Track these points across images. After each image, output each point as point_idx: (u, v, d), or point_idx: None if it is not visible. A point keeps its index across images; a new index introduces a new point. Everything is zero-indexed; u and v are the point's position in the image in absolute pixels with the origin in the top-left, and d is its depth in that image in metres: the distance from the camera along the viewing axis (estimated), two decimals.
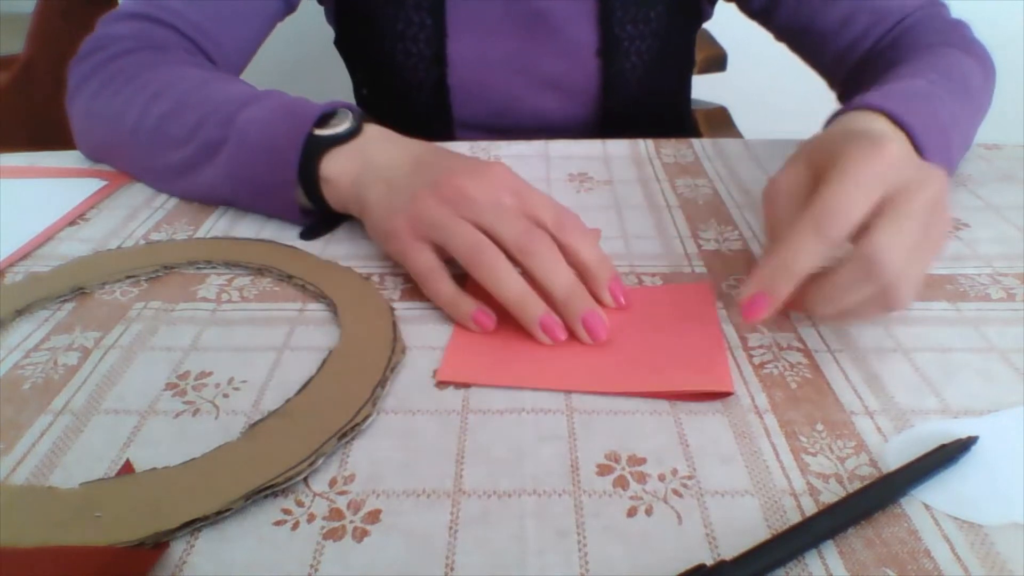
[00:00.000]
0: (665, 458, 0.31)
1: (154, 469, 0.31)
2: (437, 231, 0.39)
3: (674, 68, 0.79)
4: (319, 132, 0.46)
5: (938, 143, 0.45)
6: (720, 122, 1.06)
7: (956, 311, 0.41)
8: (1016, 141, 0.62)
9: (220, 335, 0.39)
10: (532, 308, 0.38)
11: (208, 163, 0.50)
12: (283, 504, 0.29)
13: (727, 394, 0.34)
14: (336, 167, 0.45)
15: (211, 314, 0.41)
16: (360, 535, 0.28)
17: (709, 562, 0.26)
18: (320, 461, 0.31)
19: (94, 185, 0.56)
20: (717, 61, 1.12)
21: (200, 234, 0.49)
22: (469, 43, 0.69)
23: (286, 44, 0.99)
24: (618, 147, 0.63)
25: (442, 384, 0.36)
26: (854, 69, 0.63)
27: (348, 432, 0.32)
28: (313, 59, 1.36)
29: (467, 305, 0.39)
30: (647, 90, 0.73)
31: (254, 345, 0.39)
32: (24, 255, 0.47)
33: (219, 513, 0.28)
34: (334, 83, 0.99)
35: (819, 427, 0.33)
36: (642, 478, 0.30)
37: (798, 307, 0.36)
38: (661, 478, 0.30)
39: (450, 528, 0.28)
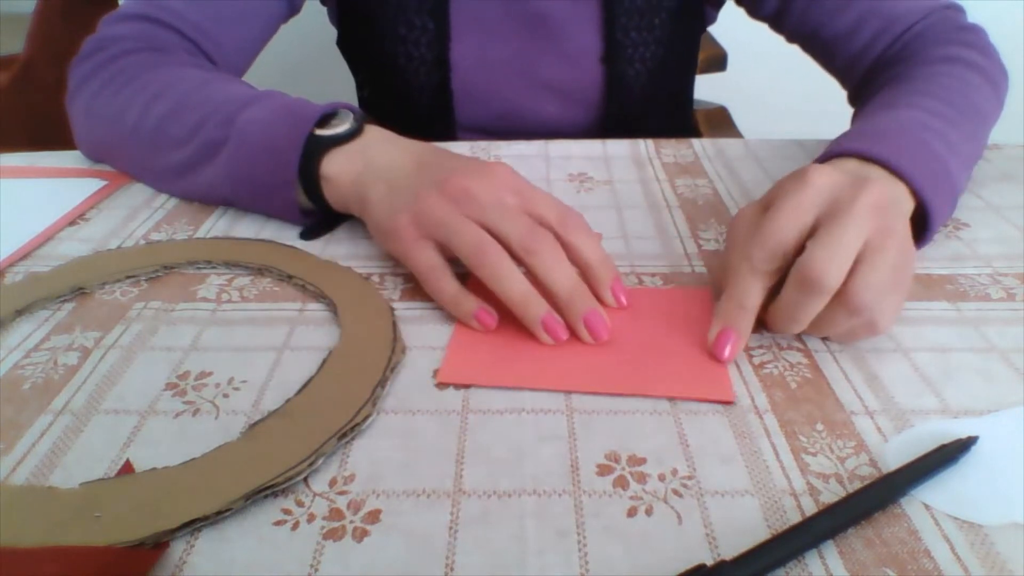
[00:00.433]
0: (665, 458, 0.31)
1: (154, 469, 0.31)
2: (441, 229, 0.39)
3: (677, 73, 0.79)
4: (320, 132, 0.46)
5: (934, 175, 0.44)
6: (720, 122, 1.06)
7: (956, 311, 0.41)
8: (1016, 141, 0.62)
9: (220, 335, 0.39)
10: (535, 308, 0.38)
11: (208, 163, 0.50)
12: (283, 504, 0.29)
13: (728, 402, 0.34)
14: (336, 166, 0.46)
15: (211, 314, 0.41)
16: (360, 535, 0.28)
17: (709, 562, 0.26)
18: (320, 461, 0.31)
19: (94, 185, 0.56)
20: (717, 61, 1.12)
21: (200, 234, 0.49)
22: (472, 46, 0.69)
23: (288, 44, 0.99)
24: (618, 147, 0.63)
25: (442, 384, 0.36)
26: (865, 74, 0.63)
27: (348, 432, 0.32)
28: (315, 60, 1.36)
29: (469, 304, 0.39)
30: (650, 96, 0.73)
31: (254, 345, 0.39)
32: (24, 255, 0.47)
33: (219, 513, 0.28)
34: (336, 84, 0.99)
35: (819, 427, 0.33)
36: (642, 478, 0.30)
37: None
38: (661, 478, 0.30)
39: (450, 528, 0.28)
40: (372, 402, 0.34)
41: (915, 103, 0.51)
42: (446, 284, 0.40)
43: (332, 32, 0.78)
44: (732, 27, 0.84)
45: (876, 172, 0.43)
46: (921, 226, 0.44)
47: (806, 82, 0.72)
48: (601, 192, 0.55)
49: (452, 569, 0.27)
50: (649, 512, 0.29)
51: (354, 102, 0.83)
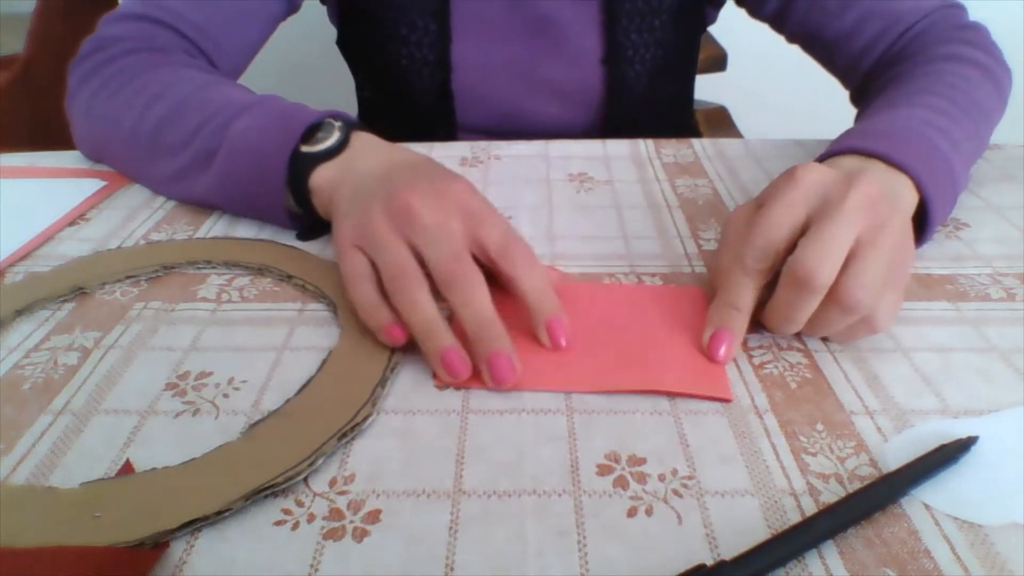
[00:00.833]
0: (665, 458, 0.31)
1: (154, 469, 0.31)
2: (370, 245, 0.39)
3: (677, 74, 0.79)
4: (305, 149, 0.46)
5: (935, 169, 0.44)
6: (720, 122, 1.06)
7: (956, 311, 0.41)
8: (1016, 141, 0.62)
9: (220, 335, 0.39)
10: (435, 339, 0.35)
11: (202, 172, 0.50)
12: (283, 504, 0.29)
13: (726, 400, 0.34)
14: (321, 180, 0.45)
15: (211, 314, 0.41)
16: (360, 535, 0.28)
17: (709, 562, 0.26)
18: (320, 461, 0.31)
19: (94, 185, 0.56)
20: (717, 61, 1.12)
21: (200, 234, 0.49)
22: (473, 48, 0.69)
23: (289, 44, 0.99)
24: (618, 147, 0.63)
25: (441, 384, 0.36)
26: (867, 74, 0.62)
27: (348, 432, 0.32)
28: (316, 60, 1.35)
29: (382, 315, 0.37)
30: (650, 97, 0.73)
31: (254, 345, 0.39)
32: (24, 255, 0.47)
33: (219, 513, 0.28)
34: (336, 84, 0.99)
35: (819, 427, 0.33)
36: (642, 478, 0.30)
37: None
38: (661, 478, 0.30)
39: (450, 528, 0.28)
40: (372, 402, 0.34)
41: (917, 101, 0.50)
42: (366, 291, 0.38)
43: (332, 32, 0.78)
44: (732, 27, 0.84)
45: (876, 167, 0.42)
46: (922, 222, 0.44)
47: (806, 82, 0.72)
48: (601, 192, 0.55)
49: (452, 569, 0.27)
50: (649, 512, 0.29)
51: (354, 102, 0.83)
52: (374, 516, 0.29)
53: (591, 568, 0.27)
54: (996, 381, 0.36)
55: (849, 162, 0.43)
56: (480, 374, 0.35)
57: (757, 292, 0.37)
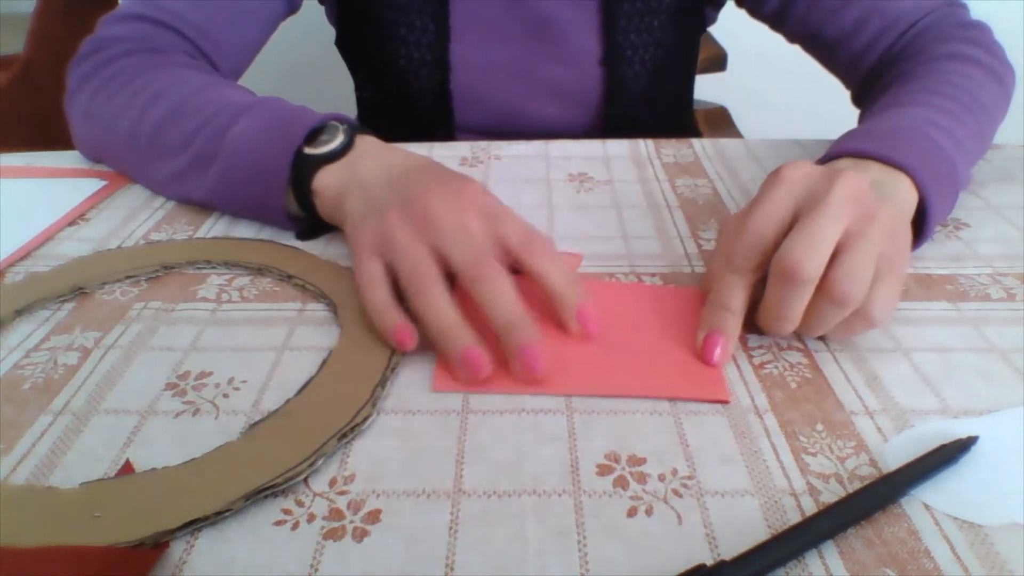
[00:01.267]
0: (665, 458, 0.31)
1: (154, 469, 0.31)
2: (390, 251, 0.39)
3: (677, 75, 0.79)
4: (308, 151, 0.46)
5: (934, 165, 0.43)
6: (720, 122, 1.06)
7: (956, 311, 0.41)
8: (1016, 141, 0.62)
9: (220, 335, 0.39)
10: (453, 341, 0.35)
11: (200, 175, 0.50)
12: (283, 504, 0.29)
13: (724, 402, 0.34)
14: (325, 183, 0.45)
15: (211, 314, 0.41)
16: (360, 535, 0.28)
17: (709, 562, 0.26)
18: (320, 462, 0.31)
19: (94, 185, 0.56)
20: (717, 61, 1.13)
21: (200, 234, 0.49)
22: (472, 48, 0.69)
23: (289, 45, 0.99)
24: (618, 147, 0.63)
25: (438, 388, 0.36)
26: (868, 74, 0.62)
27: (348, 432, 0.32)
28: (315, 60, 1.36)
29: (392, 318, 0.37)
30: (650, 97, 0.73)
31: (254, 345, 0.39)
32: (24, 255, 0.47)
33: (219, 513, 0.28)
34: (336, 84, 0.99)
35: (819, 427, 0.33)
36: (642, 478, 0.30)
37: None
38: (661, 478, 0.30)
39: (450, 528, 0.28)
40: (372, 402, 0.34)
41: (919, 100, 0.50)
42: (377, 294, 0.38)
43: (331, 32, 0.78)
44: (732, 27, 0.84)
45: (873, 167, 0.42)
46: (923, 220, 0.43)
47: (806, 82, 0.72)
48: (601, 192, 0.55)
49: (452, 569, 0.27)
50: (649, 512, 0.29)
51: (353, 102, 0.83)
52: (374, 516, 0.29)
53: (591, 568, 0.27)
54: (996, 381, 0.36)
55: (844, 164, 0.43)
56: (509, 368, 0.36)
57: (748, 292, 0.37)
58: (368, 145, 0.47)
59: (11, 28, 1.41)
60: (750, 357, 0.37)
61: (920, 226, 0.43)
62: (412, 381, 0.36)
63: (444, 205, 0.39)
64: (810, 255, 0.34)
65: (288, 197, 0.47)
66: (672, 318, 0.40)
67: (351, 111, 0.73)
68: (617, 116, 0.72)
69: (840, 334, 0.37)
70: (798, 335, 0.39)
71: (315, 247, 0.48)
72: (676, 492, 0.30)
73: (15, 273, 0.45)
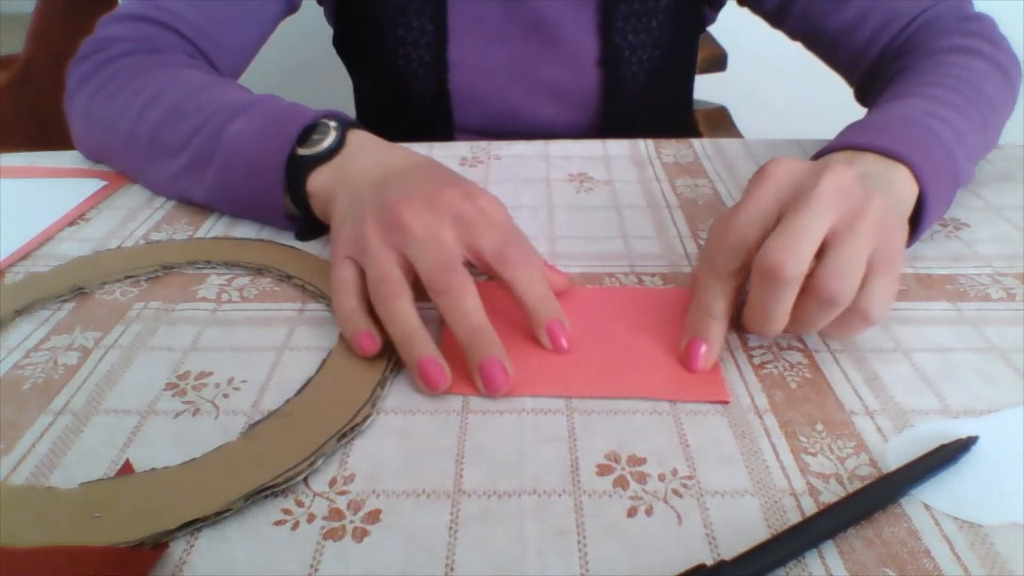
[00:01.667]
0: (665, 458, 0.31)
1: (153, 469, 0.31)
2: (361, 255, 0.39)
3: (675, 75, 0.79)
4: (302, 152, 0.45)
5: (932, 156, 0.43)
6: (720, 122, 1.06)
7: (956, 311, 0.41)
8: (1016, 141, 0.62)
9: (220, 335, 0.39)
10: (414, 348, 0.35)
11: (199, 176, 0.50)
12: (283, 504, 0.29)
13: (724, 402, 0.34)
14: (318, 184, 0.45)
15: (211, 314, 0.41)
16: (360, 535, 0.28)
17: (709, 562, 0.26)
18: (320, 462, 0.31)
19: (94, 185, 0.56)
20: (717, 61, 1.13)
21: (200, 234, 0.49)
22: (470, 49, 0.69)
23: (288, 45, 0.99)
24: (618, 147, 0.63)
25: (434, 391, 0.35)
26: (870, 70, 0.61)
27: (348, 433, 0.32)
28: (315, 60, 1.35)
29: (359, 323, 0.37)
30: (648, 98, 0.73)
31: (254, 345, 0.39)
32: (24, 255, 0.47)
33: (218, 514, 0.28)
34: (335, 84, 0.99)
35: (819, 427, 0.33)
36: (642, 478, 0.30)
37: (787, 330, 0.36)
38: (661, 478, 0.30)
39: (450, 528, 0.28)
40: (372, 402, 0.34)
41: (919, 92, 0.50)
42: (347, 300, 0.38)
43: (330, 32, 0.78)
44: (732, 27, 0.84)
45: (870, 160, 0.41)
46: (920, 212, 0.42)
47: (806, 82, 0.72)
48: (601, 192, 0.55)
49: (452, 569, 0.27)
50: (649, 512, 0.29)
51: (351, 102, 0.83)
52: (374, 516, 0.29)
53: (591, 568, 0.27)
54: (996, 381, 0.36)
55: (840, 157, 0.42)
56: (472, 381, 0.35)
57: (731, 296, 0.36)
58: (360, 142, 0.46)
59: (11, 28, 1.41)
60: (750, 357, 0.37)
61: (918, 218, 0.42)
62: (412, 381, 0.36)
63: (415, 212, 0.38)
64: (792, 253, 0.33)
65: (285, 198, 0.47)
66: (670, 319, 0.40)
67: (350, 111, 0.73)
68: (615, 116, 0.72)
69: (838, 334, 0.37)
70: (798, 335, 0.39)
71: (315, 247, 0.48)
72: (676, 492, 0.30)
73: (15, 273, 0.45)
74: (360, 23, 0.72)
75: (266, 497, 0.30)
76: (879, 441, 0.32)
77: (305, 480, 0.30)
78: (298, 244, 0.48)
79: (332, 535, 0.28)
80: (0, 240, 0.49)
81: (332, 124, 0.47)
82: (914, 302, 0.41)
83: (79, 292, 0.43)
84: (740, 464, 0.31)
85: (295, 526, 0.29)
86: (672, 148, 0.63)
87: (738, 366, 0.37)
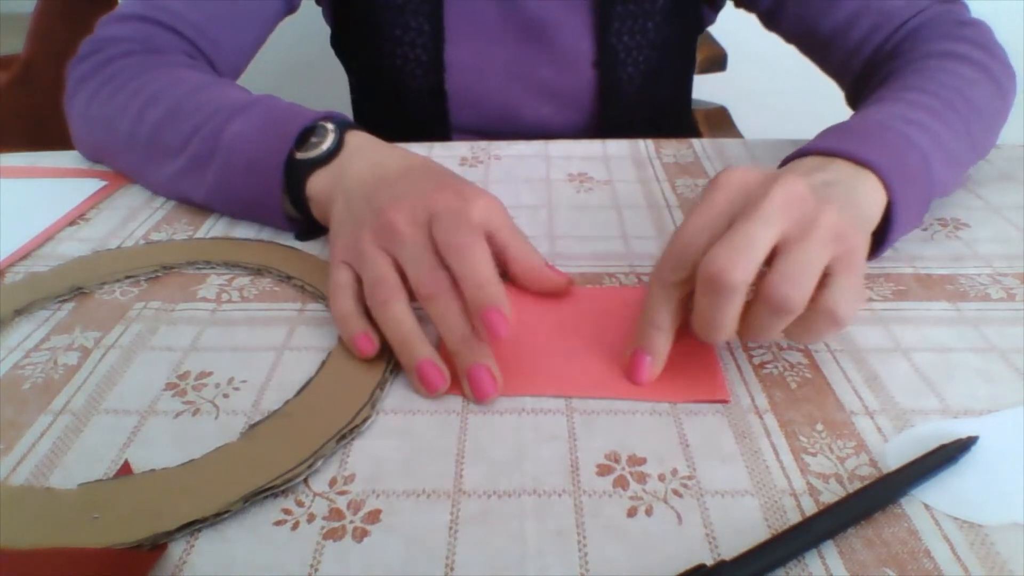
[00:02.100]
0: (665, 458, 0.31)
1: (152, 470, 0.31)
2: (356, 260, 0.39)
3: (672, 76, 0.78)
4: (300, 155, 0.45)
5: (912, 173, 0.42)
6: (720, 122, 1.06)
7: (956, 311, 0.41)
8: (1016, 141, 0.62)
9: (220, 335, 0.39)
10: (412, 351, 0.35)
11: (198, 176, 0.50)
12: (283, 504, 0.29)
13: (724, 401, 0.34)
14: (317, 187, 0.45)
15: (211, 314, 0.41)
16: (360, 535, 0.28)
17: (709, 562, 0.26)
18: (319, 463, 0.31)
19: (94, 185, 0.56)
20: (717, 61, 1.13)
21: (200, 234, 0.49)
22: (467, 49, 0.69)
23: (286, 45, 0.99)
24: (618, 147, 0.63)
25: (433, 393, 0.35)
26: (860, 73, 0.61)
27: (347, 434, 0.32)
28: (314, 60, 1.35)
29: (356, 326, 0.37)
30: (645, 99, 0.73)
31: (254, 345, 0.39)
32: (24, 255, 0.47)
33: (218, 515, 0.28)
34: (334, 84, 0.99)
35: (819, 427, 0.33)
36: (642, 478, 0.30)
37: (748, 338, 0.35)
38: (661, 478, 0.30)
39: (450, 528, 0.28)
40: (371, 404, 0.34)
41: (898, 97, 0.48)
42: (343, 302, 0.38)
43: (328, 32, 0.78)
44: (732, 27, 0.84)
45: (837, 166, 0.40)
46: (888, 220, 0.41)
47: (806, 82, 0.72)
48: (601, 192, 0.55)
49: (452, 569, 0.27)
50: (649, 512, 0.29)
51: (348, 102, 0.83)
52: (374, 516, 0.29)
53: (591, 568, 0.27)
54: (996, 381, 0.36)
55: (808, 163, 0.41)
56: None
57: (676, 306, 0.35)
58: (358, 144, 0.46)
59: (11, 28, 1.41)
60: (750, 357, 0.37)
61: (888, 225, 0.41)
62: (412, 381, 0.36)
63: (406, 217, 0.38)
64: (735, 261, 0.32)
65: (284, 199, 0.47)
66: None
67: (347, 111, 0.73)
68: (612, 117, 0.72)
69: (807, 338, 0.35)
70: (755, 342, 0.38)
71: (315, 247, 0.48)
72: (676, 492, 0.30)
73: (15, 273, 0.45)
74: (357, 23, 0.72)
75: (266, 497, 0.30)
76: (879, 441, 0.32)
77: (305, 480, 0.30)
78: (298, 244, 0.48)
79: (332, 535, 0.28)
80: (0, 240, 0.49)
81: (330, 126, 0.46)
82: (914, 302, 0.41)
83: (79, 292, 0.43)
84: (740, 464, 0.31)
85: (295, 526, 0.29)
86: (672, 148, 0.63)
87: (738, 366, 0.37)
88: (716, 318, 0.33)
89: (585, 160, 0.60)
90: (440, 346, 0.37)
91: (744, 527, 0.28)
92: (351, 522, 0.29)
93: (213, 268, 0.46)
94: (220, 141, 0.48)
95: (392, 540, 0.28)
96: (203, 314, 0.41)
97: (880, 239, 0.42)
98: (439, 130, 0.73)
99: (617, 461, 0.31)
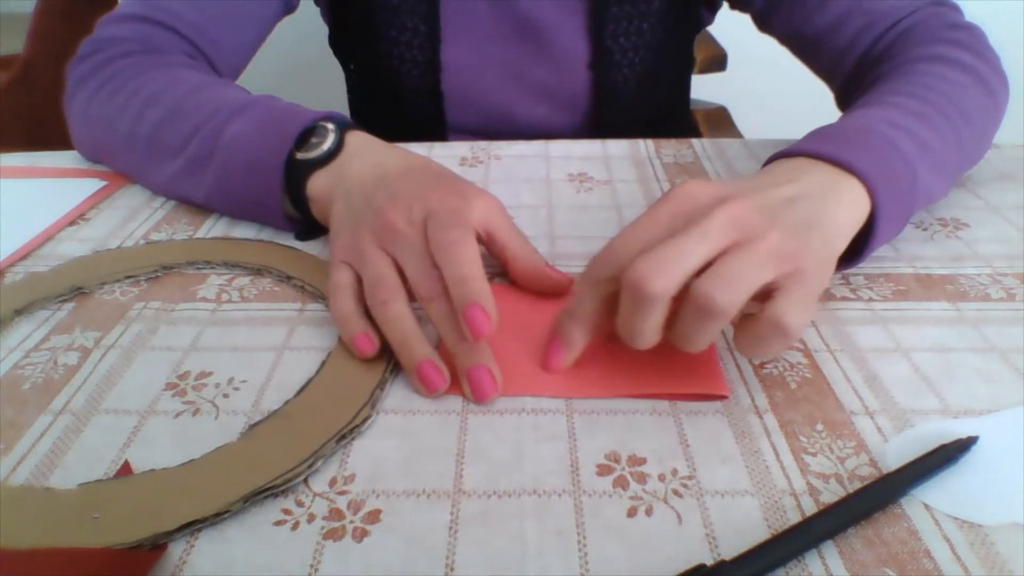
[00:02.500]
0: (665, 458, 0.31)
1: (152, 470, 0.31)
2: (356, 260, 0.39)
3: (669, 76, 0.78)
4: (300, 156, 0.46)
5: (896, 179, 0.40)
6: (720, 122, 1.06)
7: (956, 311, 0.41)
8: (1016, 141, 0.62)
9: (220, 335, 0.39)
10: (412, 351, 0.35)
11: (198, 177, 0.50)
12: (283, 504, 0.29)
13: (723, 397, 0.34)
14: (316, 188, 0.45)
15: (211, 314, 0.41)
16: (360, 535, 0.28)
17: (709, 562, 0.26)
18: (319, 463, 0.31)
19: (94, 185, 0.56)
20: (717, 61, 1.13)
21: (200, 234, 0.49)
22: (463, 50, 0.69)
23: (286, 45, 0.99)
24: (618, 147, 0.63)
25: (432, 393, 0.35)
26: (850, 74, 0.60)
27: (347, 434, 0.32)
28: (312, 60, 1.36)
29: (356, 325, 0.37)
30: (641, 100, 0.73)
31: (254, 345, 0.39)
32: (24, 255, 0.47)
33: (217, 515, 0.28)
34: (332, 84, 0.99)
35: (819, 427, 0.33)
36: (642, 478, 0.30)
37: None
38: (661, 478, 0.30)
39: (450, 528, 0.28)
40: (371, 404, 0.34)
41: (885, 101, 0.47)
42: (343, 302, 0.38)
43: (326, 32, 0.78)
44: (732, 27, 0.84)
45: (816, 173, 0.39)
46: (870, 228, 0.40)
47: (806, 82, 0.72)
48: (601, 192, 0.55)
49: (452, 569, 0.27)
50: (649, 512, 0.29)
51: (345, 101, 0.83)
52: (374, 516, 0.29)
53: (591, 568, 0.27)
54: (996, 381, 0.36)
55: (784, 168, 0.40)
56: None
57: (601, 305, 0.35)
58: (358, 144, 0.46)
59: (11, 28, 1.41)
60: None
61: (870, 231, 0.40)
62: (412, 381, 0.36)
63: (404, 217, 0.39)
64: (658, 271, 0.31)
65: (284, 200, 0.47)
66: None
67: (345, 111, 0.73)
68: (607, 119, 0.72)
69: (754, 350, 0.33)
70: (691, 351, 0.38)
71: (315, 247, 0.48)
72: (676, 492, 0.30)
73: (15, 273, 0.45)
74: (354, 23, 0.72)
75: (266, 497, 0.30)
76: (879, 441, 0.32)
77: (305, 480, 0.30)
78: (298, 244, 0.48)
79: (332, 535, 0.28)
80: (0, 240, 0.49)
81: (331, 126, 0.47)
82: (914, 302, 0.41)
83: (79, 292, 0.43)
84: (740, 464, 0.31)
85: (295, 526, 0.29)
86: (672, 148, 0.63)
87: (738, 366, 0.37)
88: (635, 325, 0.33)
89: (585, 160, 0.60)
90: (440, 346, 0.37)
91: (744, 527, 0.28)
92: (351, 522, 0.29)
93: (213, 268, 0.46)
94: (220, 141, 0.48)
95: (392, 540, 0.28)
96: (203, 314, 0.41)
97: (860, 245, 0.40)
98: (436, 130, 0.73)
99: (617, 461, 0.31)
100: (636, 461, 0.31)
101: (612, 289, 0.34)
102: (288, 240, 0.48)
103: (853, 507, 0.28)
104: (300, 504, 0.29)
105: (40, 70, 1.25)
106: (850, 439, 0.32)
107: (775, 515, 0.29)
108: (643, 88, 0.72)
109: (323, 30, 0.79)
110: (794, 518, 0.28)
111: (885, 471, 0.30)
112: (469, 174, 0.57)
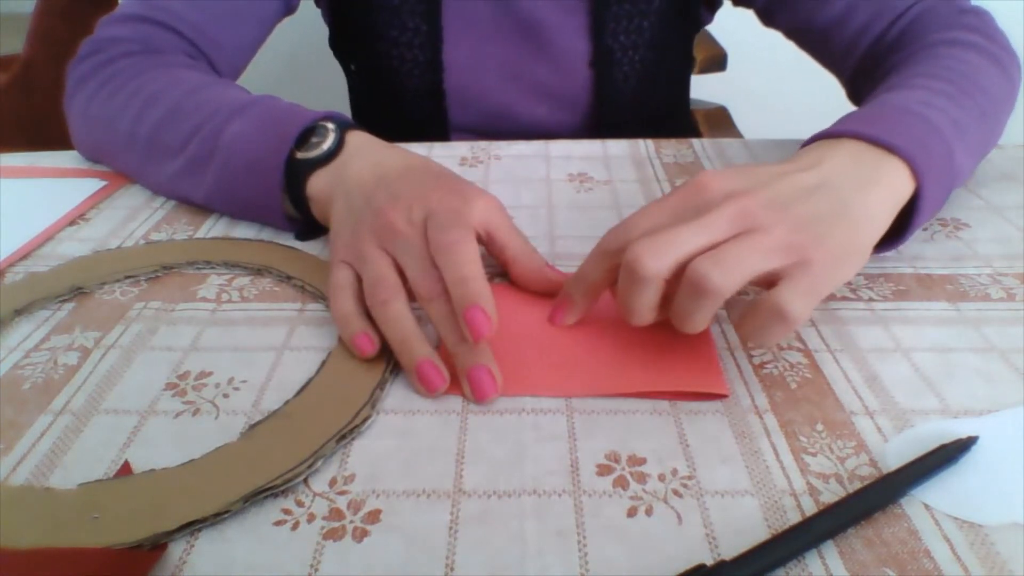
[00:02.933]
0: (665, 458, 0.31)
1: (152, 471, 0.31)
2: (356, 260, 0.39)
3: (669, 75, 0.78)
4: (300, 155, 0.46)
5: (936, 158, 0.41)
6: (720, 122, 1.06)
7: (956, 311, 0.41)
8: (1016, 141, 0.62)
9: (220, 335, 0.39)
10: (412, 351, 0.35)
11: (198, 177, 0.50)
12: (283, 504, 0.29)
13: (723, 396, 0.34)
14: (316, 188, 0.45)
15: (211, 314, 0.41)
16: (360, 535, 0.28)
17: (709, 562, 0.26)
18: (319, 463, 0.31)
19: (94, 185, 0.56)
20: (717, 61, 1.13)
21: (200, 234, 0.49)
22: (464, 49, 0.69)
23: (286, 45, 0.99)
24: (618, 147, 0.63)
25: (432, 393, 0.35)
26: (860, 65, 0.60)
27: (347, 434, 0.32)
28: (312, 60, 1.36)
29: (356, 325, 0.37)
30: (641, 99, 0.73)
31: (254, 345, 0.39)
32: (24, 255, 0.47)
33: (217, 515, 0.28)
34: (332, 84, 0.99)
35: (819, 427, 0.33)
36: (642, 478, 0.30)
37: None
38: (661, 478, 0.30)
39: (450, 528, 0.28)
40: (371, 404, 0.34)
41: (914, 84, 0.47)
42: (343, 302, 0.38)
43: (327, 32, 0.78)
44: (732, 27, 0.84)
45: (861, 149, 0.39)
46: (912, 209, 0.41)
47: (806, 82, 0.72)
48: (601, 192, 0.55)
49: (452, 569, 0.27)
50: (649, 512, 0.29)
51: (347, 102, 0.83)
52: (374, 516, 0.29)
53: (591, 568, 0.27)
54: (996, 381, 0.36)
55: (818, 150, 0.40)
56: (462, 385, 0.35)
57: (604, 273, 0.37)
58: (358, 144, 0.46)
59: (11, 28, 1.41)
60: (750, 357, 0.37)
61: (910, 214, 0.40)
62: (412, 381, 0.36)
63: (404, 217, 0.39)
64: (651, 253, 0.33)
65: (284, 200, 0.47)
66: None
67: (346, 111, 0.73)
68: (607, 118, 0.72)
69: (756, 336, 0.33)
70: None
71: (315, 247, 0.48)
72: (676, 492, 0.30)
73: (15, 273, 0.45)
74: (355, 24, 0.72)
75: (266, 497, 0.30)
76: (879, 441, 0.32)
77: (305, 480, 0.30)
78: (298, 244, 0.48)
79: (332, 535, 0.28)
80: (0, 240, 0.49)
81: (331, 126, 0.47)
82: (914, 302, 0.41)
83: (79, 292, 0.43)
84: (740, 464, 0.31)
85: (295, 526, 0.29)
86: (672, 148, 0.63)
87: (738, 366, 0.37)
88: (630, 301, 0.34)
89: (585, 160, 0.60)
90: (440, 346, 0.37)
91: (744, 527, 0.28)
92: (351, 522, 0.29)
93: (213, 268, 0.46)
94: (220, 141, 0.48)
95: (392, 540, 0.28)
96: (203, 314, 0.41)
97: (902, 225, 0.41)
98: (437, 130, 0.73)
99: (617, 461, 0.31)
100: (636, 461, 0.31)
101: (617, 262, 0.36)
102: (288, 240, 0.48)
103: (853, 507, 0.28)
104: (300, 504, 0.29)
105: (40, 70, 1.25)
106: (850, 439, 0.32)
107: (775, 515, 0.29)
108: (643, 87, 0.72)
109: (323, 31, 0.79)
110: (794, 518, 0.28)
111: (885, 471, 0.30)
112: (469, 174, 0.57)
